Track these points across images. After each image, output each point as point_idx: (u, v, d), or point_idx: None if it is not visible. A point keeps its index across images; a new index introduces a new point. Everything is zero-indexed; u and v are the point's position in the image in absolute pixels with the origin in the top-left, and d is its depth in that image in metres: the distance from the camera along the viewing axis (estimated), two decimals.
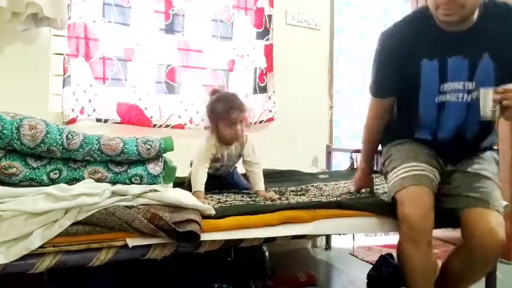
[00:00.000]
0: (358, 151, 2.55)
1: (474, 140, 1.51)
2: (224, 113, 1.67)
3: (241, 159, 1.81)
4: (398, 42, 1.51)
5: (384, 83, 1.58)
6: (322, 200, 1.57)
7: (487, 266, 1.41)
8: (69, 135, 1.17)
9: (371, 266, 2.06)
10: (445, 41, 1.42)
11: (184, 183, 1.73)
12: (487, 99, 1.30)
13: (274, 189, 1.85)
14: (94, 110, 2.11)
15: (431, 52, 1.44)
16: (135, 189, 1.23)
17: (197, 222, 1.19)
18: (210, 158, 1.71)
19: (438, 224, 1.39)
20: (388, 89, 1.58)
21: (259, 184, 1.74)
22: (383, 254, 2.08)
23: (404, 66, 1.48)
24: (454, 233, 2.63)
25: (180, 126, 2.30)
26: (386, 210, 1.49)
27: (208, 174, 1.69)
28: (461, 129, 1.48)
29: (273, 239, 1.37)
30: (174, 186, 1.45)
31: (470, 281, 1.45)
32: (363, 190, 1.75)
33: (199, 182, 1.63)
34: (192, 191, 1.59)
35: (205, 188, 1.64)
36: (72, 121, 2.02)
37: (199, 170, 1.66)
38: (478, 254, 1.32)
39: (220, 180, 1.83)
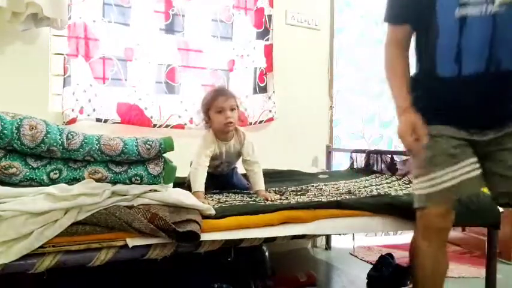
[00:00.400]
0: (358, 151, 2.56)
1: None
2: (212, 100, 1.71)
3: (240, 158, 1.82)
4: None
5: (398, 4, 1.38)
6: (322, 200, 1.57)
7: None
8: (69, 135, 1.17)
9: (371, 266, 2.06)
10: None
11: (184, 184, 1.73)
12: None
13: (274, 189, 1.85)
14: (94, 110, 2.11)
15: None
16: (135, 189, 1.23)
17: (197, 222, 1.19)
18: (209, 155, 1.71)
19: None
20: (402, 12, 1.36)
21: (259, 184, 1.74)
22: (383, 254, 2.08)
23: None
24: (455, 233, 2.64)
25: (180, 126, 2.30)
26: (387, 210, 1.49)
27: (208, 173, 1.69)
28: (493, 57, 1.19)
29: (273, 239, 1.37)
30: (174, 186, 1.45)
31: None
32: (420, 133, 1.26)
33: (199, 181, 1.63)
34: (192, 191, 1.59)
35: (205, 188, 1.64)
36: (72, 121, 2.02)
37: (198, 170, 1.66)
38: None
39: (220, 180, 1.84)
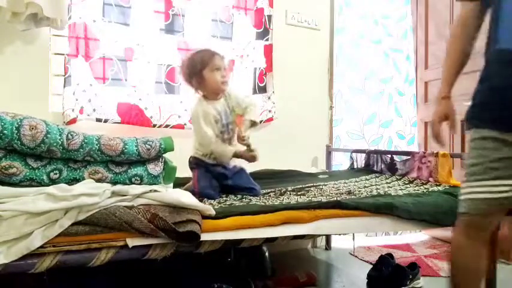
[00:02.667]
0: (358, 151, 2.56)
1: None
2: (208, 59, 1.70)
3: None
4: None
5: None
6: (322, 200, 1.57)
7: None
8: (69, 135, 1.17)
9: (371, 266, 2.06)
10: None
11: (185, 184, 1.73)
12: None
13: (274, 189, 1.85)
14: (94, 110, 2.11)
15: None
16: (135, 189, 1.23)
17: (197, 222, 1.19)
18: (213, 123, 1.70)
19: None
20: None
21: (251, 114, 1.75)
22: (383, 254, 2.08)
23: None
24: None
25: (180, 126, 2.30)
26: (387, 210, 1.49)
27: (216, 174, 1.70)
28: None
29: (273, 239, 1.37)
30: (174, 186, 1.45)
31: None
32: (445, 123, 1.30)
33: (224, 147, 1.69)
34: (230, 157, 1.68)
35: (214, 188, 1.67)
36: (73, 121, 2.02)
37: (216, 142, 1.68)
38: None
39: (227, 179, 1.76)
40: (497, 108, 1.14)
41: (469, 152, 1.21)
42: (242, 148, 1.72)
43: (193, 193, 1.65)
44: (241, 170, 1.81)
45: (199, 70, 1.70)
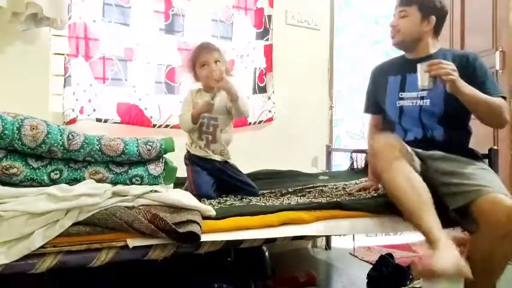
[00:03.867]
0: (358, 151, 2.56)
1: (444, 143, 1.68)
2: (195, 55, 1.75)
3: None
4: (378, 69, 1.99)
5: (370, 100, 1.99)
6: (322, 200, 1.57)
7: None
8: (70, 135, 1.17)
9: (371, 266, 2.07)
10: (406, 63, 1.82)
11: (185, 184, 1.73)
12: (421, 72, 1.55)
13: (274, 190, 1.85)
14: (94, 110, 2.11)
15: (395, 71, 1.85)
16: (135, 189, 1.23)
17: (197, 223, 1.19)
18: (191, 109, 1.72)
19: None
20: (372, 106, 1.98)
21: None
22: (383, 254, 2.08)
23: (379, 83, 1.90)
24: (455, 233, 2.64)
25: (180, 127, 2.29)
26: (387, 210, 1.49)
27: (213, 175, 1.71)
28: (425, 129, 1.73)
29: (273, 239, 1.37)
30: (175, 186, 1.45)
31: (497, 263, 1.41)
32: (369, 191, 1.81)
33: (188, 115, 1.70)
34: (191, 118, 1.68)
35: (213, 191, 1.68)
36: (73, 121, 2.02)
37: (183, 116, 1.73)
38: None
39: (223, 178, 1.75)
40: None
41: None
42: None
43: (190, 191, 1.65)
44: (235, 170, 1.78)
45: (193, 66, 1.77)
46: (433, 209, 1.37)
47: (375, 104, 1.96)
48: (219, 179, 1.74)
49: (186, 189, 1.72)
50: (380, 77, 1.93)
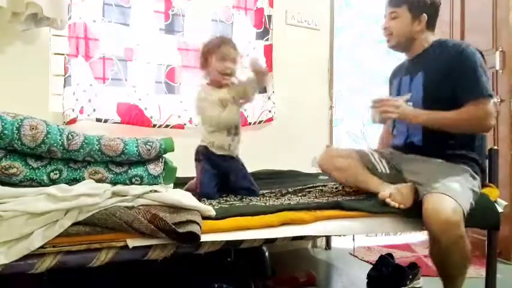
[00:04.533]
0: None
1: (423, 147, 1.73)
2: (216, 46, 1.71)
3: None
4: (392, 72, 2.04)
5: None
6: (323, 201, 1.57)
7: (445, 247, 1.40)
8: (69, 135, 1.17)
9: (371, 266, 2.06)
10: (405, 66, 1.89)
11: (185, 184, 1.73)
12: (370, 108, 1.66)
13: (274, 190, 1.85)
14: (94, 110, 2.11)
15: (399, 75, 1.91)
16: (135, 189, 1.23)
17: (197, 223, 1.19)
18: (221, 106, 1.67)
19: None
20: None
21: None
22: (383, 254, 2.08)
23: (390, 87, 2.01)
24: None
25: (180, 126, 2.30)
26: (387, 210, 1.49)
27: (221, 168, 1.71)
28: (408, 135, 1.80)
29: (273, 240, 1.36)
30: (175, 186, 1.45)
31: (451, 269, 1.48)
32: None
33: (229, 109, 1.65)
34: (237, 99, 1.67)
35: (215, 192, 1.67)
36: (73, 121, 2.02)
37: (224, 115, 1.65)
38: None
39: (231, 175, 1.74)
40: None
41: None
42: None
43: (195, 189, 1.66)
44: (243, 169, 1.79)
45: (209, 55, 1.72)
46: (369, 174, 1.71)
47: None
48: (225, 176, 1.73)
49: (190, 187, 1.75)
50: (391, 80, 2.01)
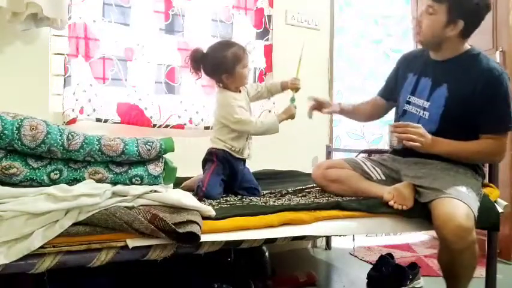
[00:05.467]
0: (364, 151, 2.56)
1: (426, 156, 1.67)
2: (241, 57, 1.74)
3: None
4: (404, 59, 1.92)
5: (386, 85, 2.01)
6: (323, 201, 1.57)
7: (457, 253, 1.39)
8: (69, 135, 1.17)
9: (371, 266, 2.07)
10: (426, 64, 1.75)
11: (183, 184, 1.73)
12: (389, 131, 1.62)
13: (274, 190, 1.85)
14: (94, 110, 2.11)
15: (416, 69, 1.79)
16: (135, 189, 1.23)
17: (197, 223, 1.19)
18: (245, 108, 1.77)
19: None
20: (385, 92, 1.99)
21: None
22: (383, 254, 2.08)
23: (400, 76, 1.88)
24: None
25: (180, 126, 2.30)
26: (387, 210, 1.49)
27: (233, 171, 1.73)
28: None
29: (273, 240, 1.36)
30: (175, 186, 1.45)
31: (460, 273, 1.47)
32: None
33: (270, 121, 1.79)
34: (279, 122, 1.79)
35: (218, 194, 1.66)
36: (73, 121, 2.02)
37: (258, 121, 1.75)
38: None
39: (237, 181, 1.77)
40: None
41: None
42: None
43: (198, 188, 1.64)
44: (248, 169, 1.84)
45: (233, 66, 1.72)
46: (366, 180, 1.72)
47: (388, 91, 1.96)
48: (231, 177, 1.75)
49: (188, 184, 1.76)
50: (403, 69, 1.88)
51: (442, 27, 1.60)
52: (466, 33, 1.63)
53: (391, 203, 1.49)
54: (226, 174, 1.72)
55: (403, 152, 1.75)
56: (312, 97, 2.00)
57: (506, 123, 1.58)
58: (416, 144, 1.54)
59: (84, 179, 1.21)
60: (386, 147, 1.92)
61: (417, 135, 1.54)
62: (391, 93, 1.94)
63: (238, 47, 1.76)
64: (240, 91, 1.81)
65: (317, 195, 1.73)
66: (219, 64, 1.71)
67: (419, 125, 1.58)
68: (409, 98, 1.77)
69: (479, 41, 2.49)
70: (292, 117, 1.83)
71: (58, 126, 1.19)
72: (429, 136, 1.57)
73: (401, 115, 1.82)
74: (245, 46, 1.86)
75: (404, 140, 1.55)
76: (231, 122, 1.70)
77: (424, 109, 1.70)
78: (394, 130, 1.58)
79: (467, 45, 1.69)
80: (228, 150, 1.73)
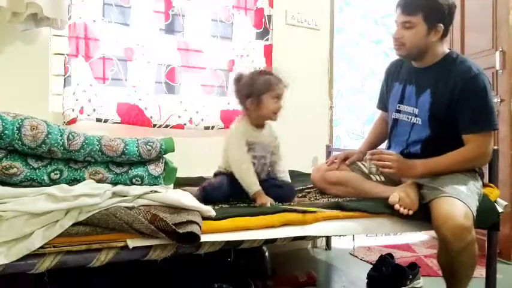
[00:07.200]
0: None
1: (422, 156, 1.66)
2: (272, 85, 1.60)
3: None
4: (389, 69, 1.94)
5: (380, 97, 2.03)
6: (323, 201, 1.57)
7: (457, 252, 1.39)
8: (70, 135, 1.17)
9: (371, 266, 2.07)
10: (410, 72, 1.77)
11: (186, 184, 1.72)
12: (367, 160, 1.66)
13: None
14: (94, 110, 2.11)
15: (401, 78, 1.82)
16: (135, 190, 1.23)
17: (197, 223, 1.19)
18: (246, 149, 1.60)
19: None
20: (381, 103, 2.02)
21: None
22: (383, 254, 2.08)
23: (388, 85, 1.91)
24: None
25: (180, 126, 2.30)
26: (387, 210, 1.49)
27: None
28: (407, 146, 1.75)
29: (273, 240, 1.36)
30: (175, 186, 1.45)
31: (460, 273, 1.47)
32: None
33: (253, 180, 1.56)
34: (252, 193, 1.55)
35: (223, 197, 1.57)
36: (73, 121, 2.02)
37: (244, 168, 1.57)
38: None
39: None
40: None
41: None
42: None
43: (202, 189, 1.58)
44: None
45: (260, 93, 1.60)
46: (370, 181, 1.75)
47: (384, 102, 1.96)
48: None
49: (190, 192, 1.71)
50: (389, 78, 1.90)
51: (425, 36, 1.62)
52: (445, 34, 1.66)
53: (396, 206, 1.45)
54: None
55: (403, 156, 1.71)
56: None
57: (484, 121, 1.57)
58: (391, 170, 1.58)
59: (84, 179, 1.21)
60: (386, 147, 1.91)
61: (391, 161, 1.58)
62: (387, 103, 1.95)
63: (275, 77, 1.63)
64: (262, 127, 1.69)
65: (317, 195, 1.73)
66: (248, 86, 1.63)
67: (393, 152, 1.64)
68: (399, 106, 1.79)
69: (479, 41, 2.50)
70: (261, 204, 1.52)
71: (58, 126, 1.19)
72: (407, 161, 1.61)
73: (392, 125, 1.84)
74: (286, 82, 1.65)
75: (380, 168, 1.61)
76: (228, 152, 1.65)
77: (416, 116, 1.71)
78: (370, 158, 1.62)
79: (446, 49, 1.71)
80: (226, 171, 1.66)
